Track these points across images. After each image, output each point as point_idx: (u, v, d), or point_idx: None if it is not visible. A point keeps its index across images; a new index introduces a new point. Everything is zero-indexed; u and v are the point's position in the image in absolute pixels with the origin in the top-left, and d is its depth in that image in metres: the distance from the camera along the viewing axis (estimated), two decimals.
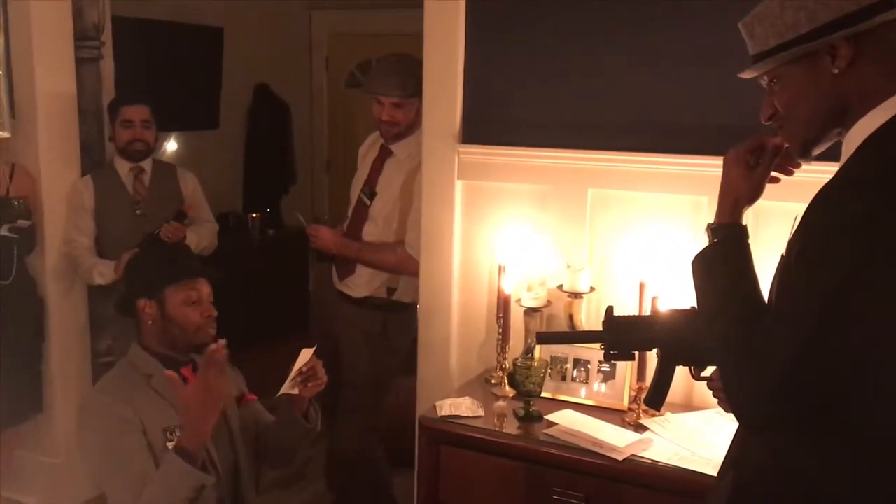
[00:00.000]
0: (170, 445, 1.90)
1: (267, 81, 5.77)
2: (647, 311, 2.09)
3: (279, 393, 2.03)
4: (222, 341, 1.86)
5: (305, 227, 2.96)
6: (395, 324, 2.89)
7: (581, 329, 2.30)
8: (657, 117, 2.26)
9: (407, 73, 2.78)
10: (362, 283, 2.90)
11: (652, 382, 1.64)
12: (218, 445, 2.02)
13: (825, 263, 1.12)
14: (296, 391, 2.03)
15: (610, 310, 1.66)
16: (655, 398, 1.65)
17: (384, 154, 2.93)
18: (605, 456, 1.95)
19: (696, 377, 1.61)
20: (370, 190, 2.91)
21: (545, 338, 2.03)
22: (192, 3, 4.97)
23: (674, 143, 2.22)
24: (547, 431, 2.08)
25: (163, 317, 2.02)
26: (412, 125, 2.85)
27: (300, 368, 2.01)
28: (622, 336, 1.63)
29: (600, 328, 1.69)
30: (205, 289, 2.08)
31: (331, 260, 2.99)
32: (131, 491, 1.85)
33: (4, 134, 3.10)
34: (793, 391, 1.15)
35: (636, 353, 1.81)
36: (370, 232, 2.90)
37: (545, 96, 2.40)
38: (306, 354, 2.01)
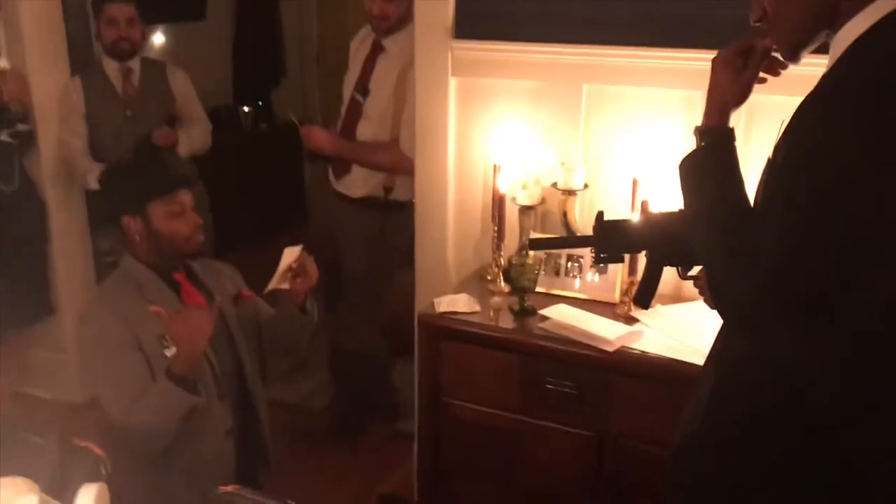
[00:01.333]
0: (166, 353, 1.98)
1: None
2: (637, 214, 2.13)
3: (266, 290, 2.10)
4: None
5: (298, 127, 2.95)
6: (393, 222, 2.93)
7: (575, 227, 2.35)
8: (653, 11, 2.22)
9: None
10: (359, 183, 2.92)
11: (640, 282, 1.69)
12: (217, 347, 2.10)
13: (812, 165, 1.14)
14: (286, 286, 2.10)
15: (600, 215, 1.69)
16: (644, 297, 1.71)
17: (376, 50, 2.89)
18: (596, 347, 2.04)
19: (683, 276, 1.67)
20: (363, 88, 2.89)
21: (537, 244, 2.09)
22: None
23: (669, 37, 2.19)
24: (541, 325, 2.15)
25: (149, 231, 2.05)
26: (404, 18, 2.80)
27: (288, 265, 2.07)
28: (611, 240, 1.67)
29: (591, 231, 1.73)
30: (186, 198, 2.08)
31: (325, 160, 3.00)
32: (124, 405, 1.92)
33: None
34: (778, 287, 1.19)
35: (625, 256, 1.85)
36: (364, 131, 2.90)
37: None
38: (291, 253, 2.08)
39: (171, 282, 2.09)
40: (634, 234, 1.65)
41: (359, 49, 2.98)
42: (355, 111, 2.91)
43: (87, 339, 2.04)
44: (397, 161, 2.81)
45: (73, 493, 1.49)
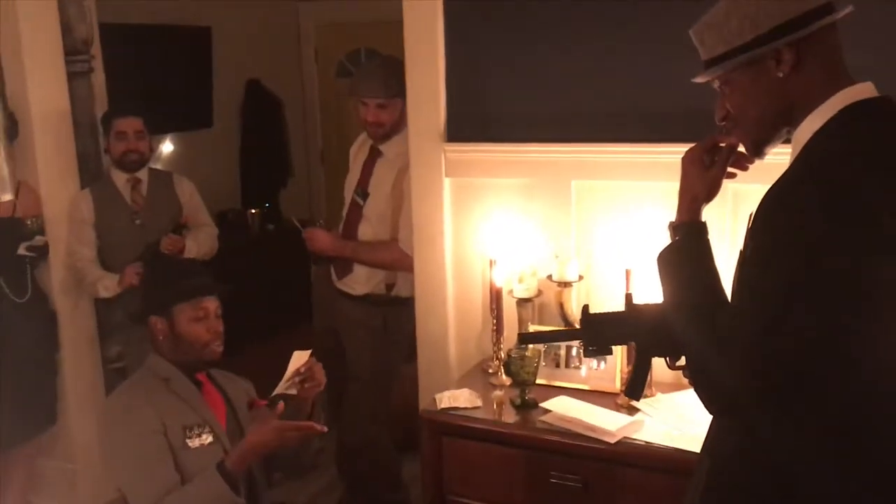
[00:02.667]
0: (189, 443, 2.03)
1: (258, 77, 5.80)
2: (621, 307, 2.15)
3: (273, 393, 2.13)
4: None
5: (301, 231, 3.03)
6: (396, 318, 2.97)
7: (572, 317, 2.38)
8: (637, 107, 2.31)
9: (389, 75, 2.84)
10: (361, 281, 2.98)
11: (629, 374, 1.71)
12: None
13: (780, 257, 1.19)
14: (293, 392, 2.12)
15: (586, 308, 1.72)
16: (634, 389, 1.72)
17: (374, 155, 2.99)
18: (598, 440, 2.04)
19: (672, 367, 1.69)
20: (362, 191, 2.98)
21: (528, 338, 2.11)
22: (178, 3, 5.00)
23: (653, 133, 2.27)
24: (543, 418, 2.16)
25: (172, 332, 2.12)
26: (398, 124, 2.90)
27: (297, 369, 2.11)
28: (599, 333, 1.70)
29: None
30: (212, 305, 2.16)
31: (327, 262, 3.07)
32: (153, 495, 1.95)
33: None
34: (754, 373, 1.21)
35: (614, 349, 1.88)
36: (365, 231, 2.97)
37: (525, 91, 2.45)
38: (300, 357, 2.11)
39: (194, 380, 2.16)
40: (620, 325, 1.68)
41: (358, 153, 3.09)
42: (356, 213, 3.00)
43: (111, 430, 2.08)
44: (397, 259, 2.87)
45: None
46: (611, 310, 1.67)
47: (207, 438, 2.06)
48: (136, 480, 1.99)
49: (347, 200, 3.05)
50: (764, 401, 1.25)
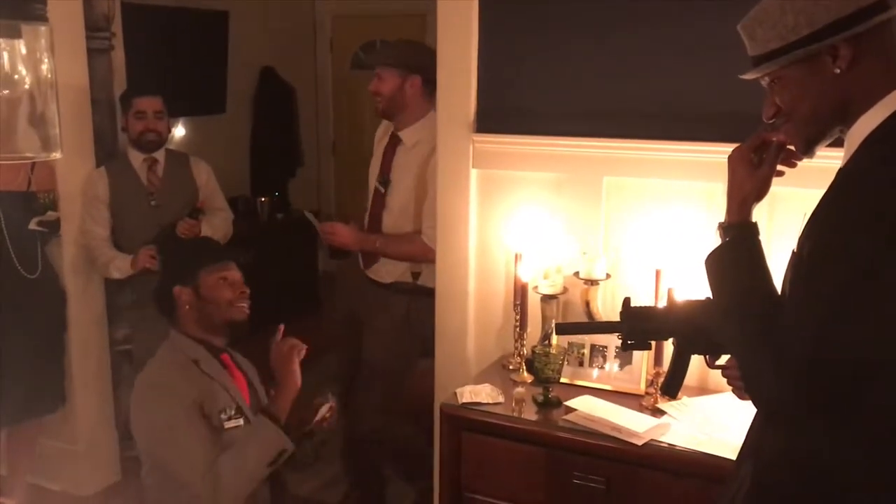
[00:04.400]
0: (227, 425, 2.05)
1: (272, 64, 5.78)
2: (663, 301, 2.13)
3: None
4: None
5: (316, 227, 2.97)
6: (419, 309, 2.90)
7: (598, 316, 2.34)
8: (671, 105, 2.27)
9: (395, 47, 2.89)
10: (387, 270, 2.94)
11: (668, 371, 1.68)
12: None
13: (838, 258, 1.16)
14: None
15: (627, 301, 1.70)
16: (672, 386, 1.70)
17: (394, 141, 2.96)
18: (624, 441, 2.00)
19: (711, 365, 1.66)
20: (384, 178, 2.94)
21: (564, 328, 2.08)
22: None
23: (688, 131, 2.24)
24: (566, 417, 2.12)
25: (198, 298, 2.15)
26: (412, 108, 2.85)
27: (323, 417, 2.19)
28: (639, 326, 1.68)
29: (617, 317, 1.73)
30: (235, 273, 2.22)
31: (345, 255, 3.03)
32: (204, 462, 1.95)
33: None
34: (810, 380, 1.18)
35: (653, 343, 1.86)
36: (388, 222, 2.93)
37: (559, 84, 2.41)
38: (323, 407, 2.22)
39: (220, 361, 2.17)
40: (661, 320, 1.66)
41: (381, 140, 3.05)
42: (379, 202, 2.96)
43: (153, 401, 2.06)
44: (420, 252, 2.82)
45: None
46: (651, 304, 1.64)
47: (240, 420, 2.07)
48: (183, 452, 1.98)
49: (371, 189, 3.01)
50: (817, 409, 1.22)
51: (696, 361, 2.20)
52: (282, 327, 2.25)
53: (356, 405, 3.05)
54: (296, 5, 6.12)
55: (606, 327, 1.98)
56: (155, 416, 2.04)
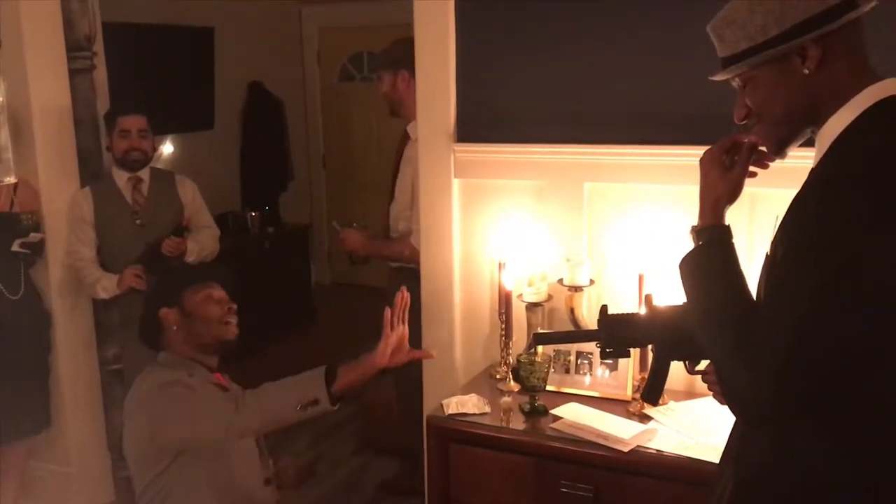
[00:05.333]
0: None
1: (260, 79, 5.78)
2: (642, 308, 2.11)
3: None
4: None
5: (339, 232, 3.15)
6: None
7: (583, 323, 2.33)
8: (650, 109, 2.27)
9: (386, 50, 2.98)
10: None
11: (648, 378, 1.67)
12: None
13: (814, 260, 1.14)
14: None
15: (604, 309, 1.68)
16: (652, 393, 1.68)
17: (404, 137, 3.03)
18: (611, 448, 1.98)
19: (691, 371, 1.64)
20: (395, 172, 3.07)
21: (543, 338, 2.08)
22: (181, 4, 4.96)
23: (667, 135, 2.23)
24: (553, 425, 2.11)
25: (184, 317, 2.12)
26: (402, 100, 2.95)
27: None
28: (617, 334, 1.65)
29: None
30: (220, 291, 2.19)
31: (363, 261, 3.16)
32: (221, 426, 1.94)
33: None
34: (788, 383, 1.16)
35: (632, 351, 1.84)
36: (394, 215, 3.06)
37: (538, 92, 2.41)
38: None
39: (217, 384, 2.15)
40: (640, 327, 1.64)
41: (401, 139, 3.13)
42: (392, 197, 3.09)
43: (155, 399, 2.02)
44: (408, 255, 2.88)
45: None
46: (629, 311, 1.63)
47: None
48: (197, 421, 1.98)
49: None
50: (795, 413, 1.21)
51: (679, 366, 2.21)
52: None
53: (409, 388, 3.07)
54: (282, 19, 6.13)
55: (585, 336, 1.97)
56: (168, 405, 2.00)
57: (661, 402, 2.18)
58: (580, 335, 2.09)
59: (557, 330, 2.41)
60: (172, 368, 2.10)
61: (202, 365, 2.14)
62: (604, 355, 1.68)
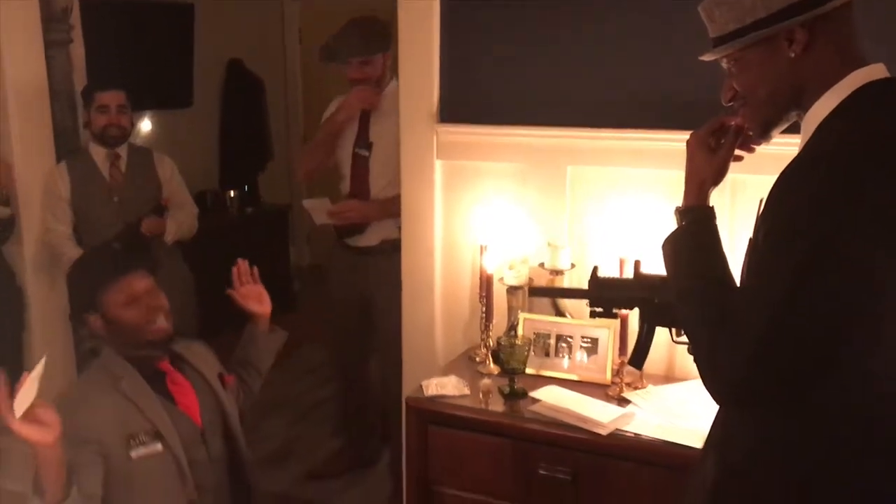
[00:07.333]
0: (133, 454, 1.89)
1: (240, 57, 5.70)
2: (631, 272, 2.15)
3: None
4: None
5: (315, 213, 3.07)
6: None
7: (564, 308, 2.35)
8: (635, 93, 2.26)
9: (365, 33, 2.96)
10: (375, 231, 3.04)
11: (635, 343, 1.70)
12: (211, 428, 2.07)
13: (792, 241, 1.16)
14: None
15: (595, 270, 1.72)
16: (637, 358, 1.72)
17: (367, 110, 3.03)
18: (589, 431, 1.99)
19: (676, 339, 1.66)
20: (365, 143, 3.02)
21: (537, 291, 2.18)
22: None
23: (652, 119, 2.23)
24: (532, 408, 2.11)
25: (108, 325, 1.97)
26: (382, 78, 3.01)
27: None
28: (605, 295, 1.69)
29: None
30: (139, 283, 1.99)
31: (359, 232, 3.07)
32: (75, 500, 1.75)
33: None
34: (765, 361, 1.18)
35: (618, 312, 1.88)
36: (377, 181, 3.02)
37: (522, 74, 2.40)
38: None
39: (155, 372, 2.02)
40: (628, 290, 1.68)
41: (341, 111, 3.08)
42: (362, 166, 3.03)
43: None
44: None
45: None
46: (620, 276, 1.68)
47: (155, 447, 1.92)
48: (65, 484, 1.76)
49: (346, 160, 3.07)
50: (773, 394, 1.22)
51: (663, 348, 2.22)
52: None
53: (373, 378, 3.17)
54: None
55: (575, 293, 2.03)
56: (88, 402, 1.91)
57: (640, 386, 2.20)
58: (570, 291, 2.16)
59: (538, 315, 2.40)
60: (102, 374, 1.98)
61: (148, 356, 2.01)
62: (592, 315, 1.72)
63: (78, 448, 1.81)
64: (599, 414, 2.04)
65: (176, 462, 1.95)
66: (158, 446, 1.93)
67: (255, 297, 2.33)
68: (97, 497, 1.83)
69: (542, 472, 2.04)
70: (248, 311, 2.32)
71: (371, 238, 3.06)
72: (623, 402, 2.14)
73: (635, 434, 1.98)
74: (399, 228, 2.83)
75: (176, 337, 2.10)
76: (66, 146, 3.34)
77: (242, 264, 2.37)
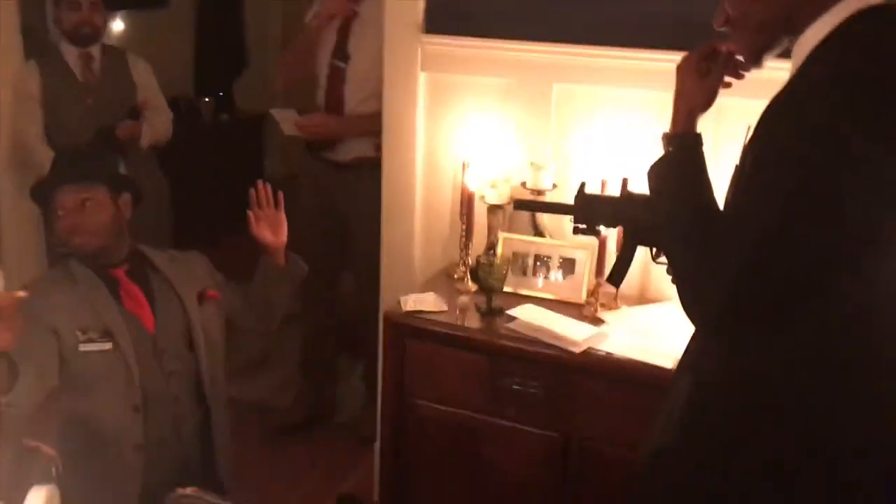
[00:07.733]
0: (82, 348, 1.91)
1: None
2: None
3: None
4: None
5: (283, 124, 2.98)
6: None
7: (543, 227, 2.35)
8: (625, 11, 2.21)
9: None
10: (348, 147, 2.94)
11: (616, 260, 1.71)
12: (172, 349, 2.05)
13: (782, 168, 1.15)
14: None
15: (582, 185, 1.72)
16: (617, 275, 1.74)
17: (349, 16, 2.90)
18: (562, 349, 2.03)
19: (656, 259, 1.68)
20: (343, 53, 2.91)
21: (523, 205, 2.16)
22: None
23: (641, 38, 2.19)
24: (508, 326, 2.14)
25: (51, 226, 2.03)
26: None
27: None
28: (590, 211, 1.69)
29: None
30: (70, 199, 1.98)
31: (330, 147, 2.97)
32: (35, 391, 1.82)
33: None
34: (745, 292, 1.19)
35: (601, 230, 1.89)
36: (353, 95, 2.92)
37: None
38: None
39: (108, 277, 2.02)
40: (612, 207, 1.68)
41: (321, 17, 2.95)
42: (338, 78, 2.93)
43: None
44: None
45: (24, 494, 1.43)
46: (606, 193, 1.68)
47: (105, 345, 1.93)
48: (22, 376, 1.77)
49: (323, 70, 2.96)
50: (753, 321, 1.23)
51: (639, 271, 2.24)
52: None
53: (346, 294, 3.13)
54: None
55: (560, 208, 2.03)
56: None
57: (614, 307, 2.23)
58: (555, 206, 2.14)
59: (518, 234, 2.40)
60: (60, 269, 2.02)
61: (100, 264, 2.01)
62: (576, 231, 1.73)
63: (35, 335, 1.82)
64: (573, 332, 2.08)
65: (125, 364, 1.96)
66: (108, 345, 1.94)
67: (268, 224, 2.16)
68: (52, 388, 1.87)
69: (515, 386, 2.09)
70: (257, 239, 2.17)
71: (342, 153, 2.95)
72: (597, 321, 2.17)
73: (608, 353, 2.02)
74: (375, 147, 2.80)
75: (143, 246, 2.13)
76: (35, 45, 3.21)
77: (263, 187, 2.19)
